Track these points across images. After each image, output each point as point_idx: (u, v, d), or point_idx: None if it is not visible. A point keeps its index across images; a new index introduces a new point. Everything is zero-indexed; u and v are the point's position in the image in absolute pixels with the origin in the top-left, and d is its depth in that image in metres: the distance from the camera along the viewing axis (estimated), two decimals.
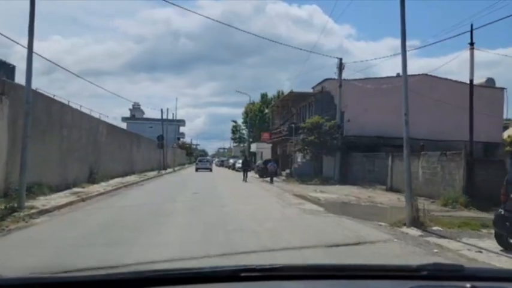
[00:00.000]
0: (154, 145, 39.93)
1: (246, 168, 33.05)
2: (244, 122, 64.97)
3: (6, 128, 11.80)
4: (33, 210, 10.18)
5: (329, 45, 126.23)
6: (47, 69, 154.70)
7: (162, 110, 46.06)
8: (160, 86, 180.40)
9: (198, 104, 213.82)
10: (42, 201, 11.87)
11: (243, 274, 1.70)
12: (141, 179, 25.46)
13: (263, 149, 48.99)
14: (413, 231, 8.89)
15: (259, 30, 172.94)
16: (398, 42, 12.30)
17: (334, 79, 29.42)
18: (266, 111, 63.27)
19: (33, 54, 10.71)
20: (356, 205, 15.09)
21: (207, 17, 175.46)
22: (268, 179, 31.67)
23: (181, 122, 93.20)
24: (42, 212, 10.40)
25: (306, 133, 27.49)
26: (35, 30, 10.67)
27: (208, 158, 73.72)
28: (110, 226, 8.86)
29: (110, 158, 23.93)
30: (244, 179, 31.06)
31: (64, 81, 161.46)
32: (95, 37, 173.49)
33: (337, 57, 27.28)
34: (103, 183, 19.78)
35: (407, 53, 10.31)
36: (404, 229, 9.14)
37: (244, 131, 68.12)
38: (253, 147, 52.31)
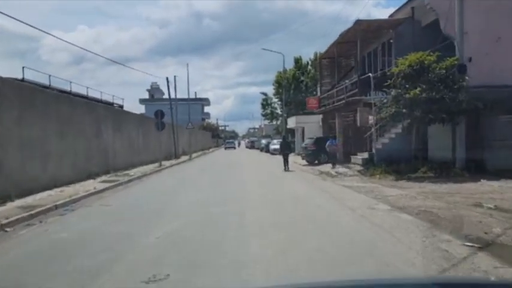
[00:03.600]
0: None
1: (286, 152, 20.97)
2: (276, 93, 51.84)
3: None
4: None
5: (356, 15, 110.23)
6: (75, 60, 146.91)
7: (167, 79, 33.81)
8: (188, 68, 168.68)
9: (226, 85, 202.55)
10: None
11: None
12: (99, 187, 13.12)
13: (305, 124, 36.02)
14: None
15: (284, 6, 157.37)
16: None
17: None
18: (302, 78, 49.97)
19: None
20: None
21: None
22: (321, 167, 19.08)
23: (205, 101, 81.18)
24: None
25: (400, 84, 14.36)
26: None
27: (233, 140, 78.10)
28: None
29: (30, 152, 11.72)
30: (286, 167, 19.94)
31: (93, 71, 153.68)
32: (119, 25, 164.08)
33: None
34: None
35: None
36: None
37: (276, 105, 55.06)
38: (291, 122, 39.32)
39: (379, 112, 14.96)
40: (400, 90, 14.22)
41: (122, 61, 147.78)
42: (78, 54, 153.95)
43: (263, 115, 57.72)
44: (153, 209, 9.12)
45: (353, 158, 17.48)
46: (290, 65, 51.50)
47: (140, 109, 76.73)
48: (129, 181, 15.61)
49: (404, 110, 14.03)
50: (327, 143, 20.41)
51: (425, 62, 14.18)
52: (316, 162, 22.71)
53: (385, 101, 14.95)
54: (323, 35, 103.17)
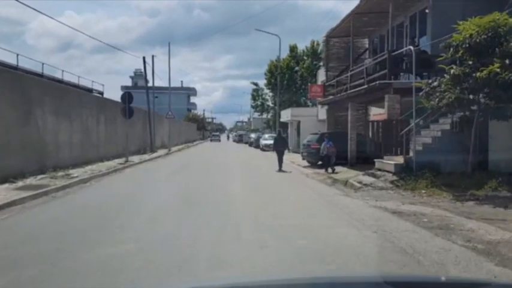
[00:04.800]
0: (139, 115, 22.41)
1: (281, 148, 17.18)
2: (269, 84, 46.90)
3: None
4: None
5: (348, 11, 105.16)
6: (62, 46, 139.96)
7: (144, 59, 28.73)
8: (176, 59, 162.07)
9: (215, 77, 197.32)
10: None
11: None
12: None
13: (301, 117, 31.35)
14: None
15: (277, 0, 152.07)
16: None
17: None
18: (297, 68, 45.17)
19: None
20: None
21: None
22: (328, 171, 14.63)
23: (192, 91, 75.86)
24: None
25: (461, 59, 9.66)
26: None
27: (218, 133, 77.70)
28: None
29: None
30: (280, 166, 16.51)
31: (80, 58, 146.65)
32: (108, 12, 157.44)
33: None
34: None
35: None
36: None
37: (268, 97, 50.12)
38: (285, 115, 34.50)
39: (428, 99, 10.20)
40: (463, 68, 9.49)
41: (109, 49, 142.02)
42: (64, 41, 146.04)
43: (253, 107, 52.78)
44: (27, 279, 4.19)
45: (378, 163, 12.75)
46: (282, 55, 46.58)
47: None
48: (64, 188, 10.59)
49: (471, 96, 9.33)
50: (323, 144, 15.81)
51: (501, 28, 9.50)
52: (320, 163, 18.02)
53: (435, 83, 10.19)
54: (314, 31, 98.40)
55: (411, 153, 11.43)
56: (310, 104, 45.49)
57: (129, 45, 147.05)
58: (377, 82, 12.98)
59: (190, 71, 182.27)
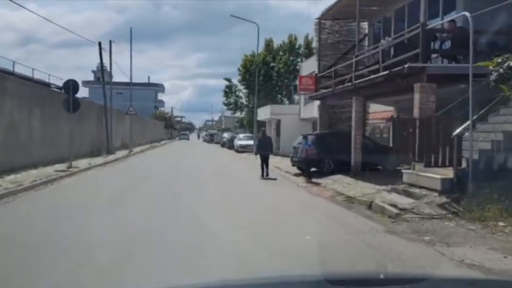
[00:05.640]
0: (93, 109, 18.29)
1: (266, 152, 13.93)
2: (243, 79, 43.13)
3: None
4: None
5: (319, 14, 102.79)
6: (22, 40, 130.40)
7: (100, 44, 24.41)
8: (144, 57, 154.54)
9: (185, 75, 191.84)
10: None
11: None
12: None
13: (282, 116, 27.93)
14: None
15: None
16: None
17: None
18: (273, 64, 41.73)
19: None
20: None
21: None
22: (328, 180, 11.12)
23: (159, 87, 70.92)
24: None
25: None
26: None
27: (187, 132, 77.06)
28: None
29: None
30: (265, 172, 13.53)
31: (42, 53, 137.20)
32: (73, 7, 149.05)
33: None
34: None
35: None
36: None
37: (242, 94, 46.29)
38: (263, 113, 30.72)
39: (507, 85, 6.83)
40: None
41: (73, 45, 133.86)
42: (25, 35, 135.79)
43: (225, 104, 48.76)
44: None
45: (407, 176, 9.25)
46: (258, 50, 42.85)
47: (84, 92, 65.19)
48: None
49: None
50: (301, 147, 12.93)
51: None
52: (314, 169, 14.46)
53: (511, 63, 6.82)
54: (289, 30, 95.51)
55: (465, 163, 8.01)
56: (287, 101, 42.20)
57: (95, 40, 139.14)
58: (405, 66, 9.51)
59: (159, 68, 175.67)
